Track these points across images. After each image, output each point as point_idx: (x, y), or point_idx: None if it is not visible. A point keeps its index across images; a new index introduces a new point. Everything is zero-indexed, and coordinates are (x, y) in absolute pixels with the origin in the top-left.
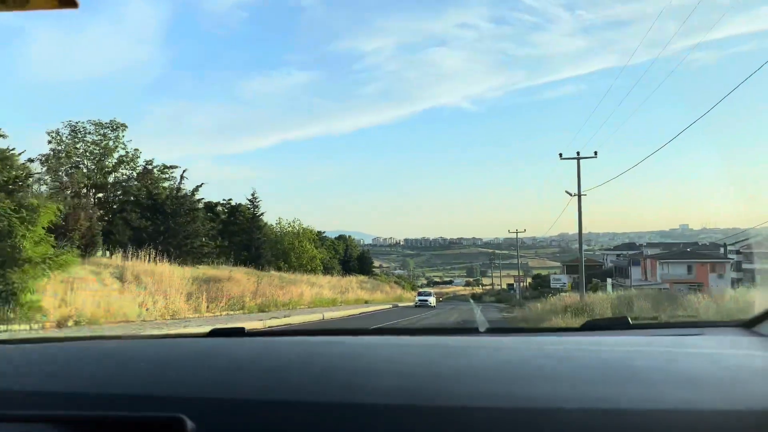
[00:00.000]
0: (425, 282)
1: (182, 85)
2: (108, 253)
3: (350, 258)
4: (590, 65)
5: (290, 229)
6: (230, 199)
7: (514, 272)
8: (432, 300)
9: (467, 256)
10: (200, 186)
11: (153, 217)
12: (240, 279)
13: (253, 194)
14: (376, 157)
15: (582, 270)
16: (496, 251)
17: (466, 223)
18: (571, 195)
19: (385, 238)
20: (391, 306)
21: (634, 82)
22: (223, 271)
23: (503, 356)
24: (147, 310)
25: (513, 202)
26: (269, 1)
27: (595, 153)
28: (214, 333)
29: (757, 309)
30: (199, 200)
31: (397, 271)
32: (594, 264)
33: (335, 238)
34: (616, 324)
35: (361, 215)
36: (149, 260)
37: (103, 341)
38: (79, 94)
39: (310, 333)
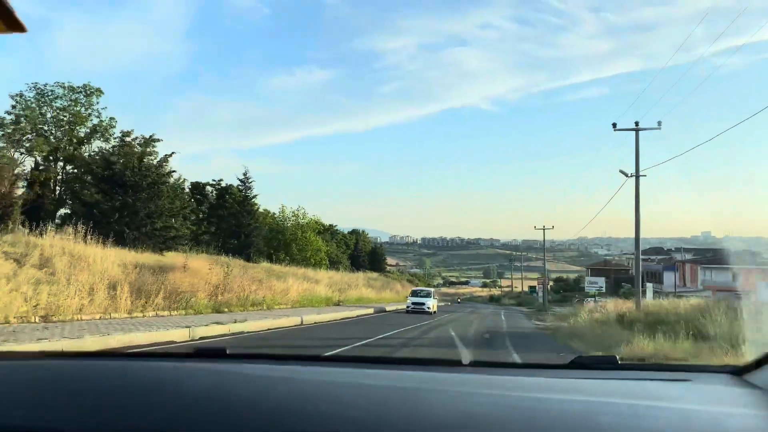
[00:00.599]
0: (441, 282)
1: (205, 79)
2: (32, 229)
3: (360, 253)
4: (613, 68)
5: (294, 218)
6: (221, 180)
7: (533, 275)
8: (431, 303)
9: (484, 257)
10: (170, 155)
11: (110, 191)
12: (199, 269)
13: (245, 174)
14: (395, 156)
15: (638, 272)
16: (514, 253)
17: (483, 224)
18: (627, 176)
19: (402, 237)
20: (394, 309)
21: (660, 86)
22: (186, 259)
23: (489, 399)
24: (34, 305)
25: (531, 204)
26: None
27: (659, 123)
28: (199, 354)
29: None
30: (168, 173)
31: (413, 270)
32: (621, 268)
33: (348, 233)
34: (605, 363)
35: (378, 213)
36: (92, 242)
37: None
38: (103, 85)
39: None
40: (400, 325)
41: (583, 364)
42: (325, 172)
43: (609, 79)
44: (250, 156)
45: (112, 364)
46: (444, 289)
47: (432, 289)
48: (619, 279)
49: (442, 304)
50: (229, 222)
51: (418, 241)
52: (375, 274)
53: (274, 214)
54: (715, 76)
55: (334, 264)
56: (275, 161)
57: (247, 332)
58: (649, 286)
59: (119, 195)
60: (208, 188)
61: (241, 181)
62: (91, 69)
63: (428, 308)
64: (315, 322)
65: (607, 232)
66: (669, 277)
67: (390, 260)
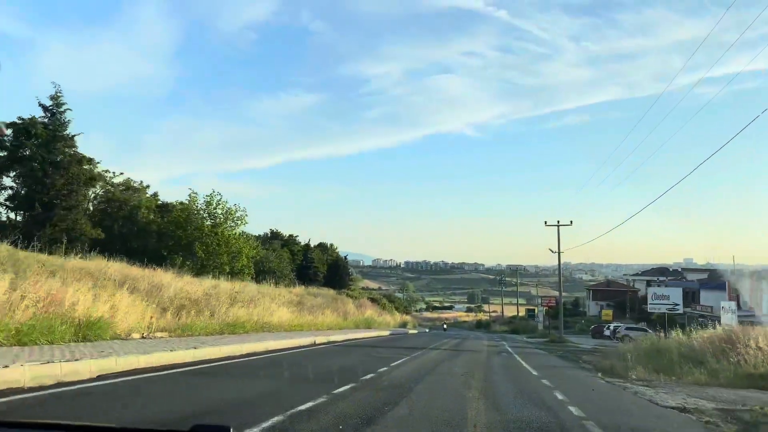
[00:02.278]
0: (423, 306)
1: (190, 102)
2: None
3: (311, 264)
4: (595, 96)
5: (208, 208)
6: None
7: (519, 300)
8: None
9: (468, 281)
10: None
11: None
12: None
13: (57, 92)
14: (380, 180)
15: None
16: (503, 277)
17: (468, 248)
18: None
19: (386, 260)
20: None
21: (639, 114)
22: None
23: None
24: None
25: (515, 229)
26: (278, 24)
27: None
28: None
29: None
30: None
31: (396, 294)
32: (627, 289)
33: (315, 246)
34: None
35: (362, 236)
36: None
37: None
38: (87, 107)
39: None
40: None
41: None
42: (310, 195)
43: (590, 107)
44: (234, 179)
45: None
46: (426, 314)
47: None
48: (621, 302)
49: (416, 331)
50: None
51: (402, 265)
52: (325, 290)
53: (182, 202)
54: (693, 106)
55: (267, 275)
56: (259, 184)
57: None
58: (727, 306)
59: None
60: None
61: (44, 108)
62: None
63: None
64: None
65: (590, 257)
66: (708, 298)
67: (372, 284)
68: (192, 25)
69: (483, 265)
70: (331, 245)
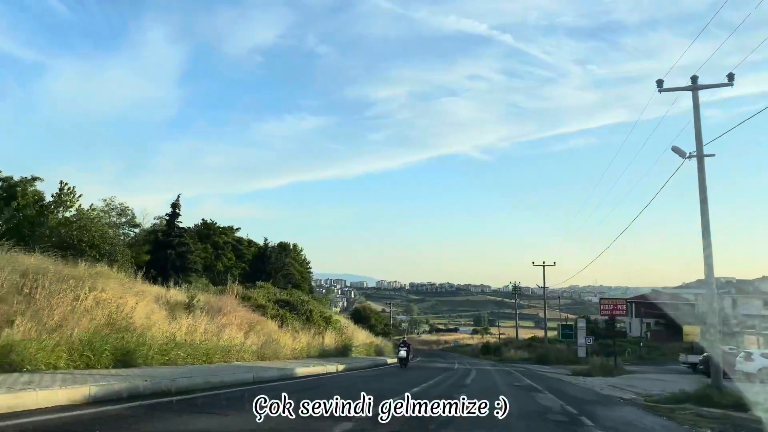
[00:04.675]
0: (426, 329)
1: (196, 124)
2: None
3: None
4: (600, 119)
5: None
6: None
7: (526, 322)
8: None
9: (474, 303)
10: None
11: None
12: None
13: None
14: (385, 202)
15: None
16: (505, 300)
17: (474, 270)
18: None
19: (390, 282)
20: None
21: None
22: None
23: None
24: None
25: (523, 251)
26: (285, 47)
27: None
28: None
29: None
30: None
31: (400, 317)
32: (682, 302)
33: (276, 245)
34: None
35: (367, 258)
36: None
37: None
38: (96, 130)
39: None
40: None
41: None
42: (315, 217)
43: (596, 129)
44: (240, 201)
45: None
46: (425, 336)
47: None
48: (668, 320)
49: (391, 361)
50: None
51: (406, 287)
52: (268, 291)
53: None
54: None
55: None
56: (264, 206)
57: None
58: None
59: None
60: None
61: None
62: (84, 113)
63: None
64: None
65: (597, 280)
66: None
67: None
68: (198, 48)
69: (489, 286)
70: (295, 245)
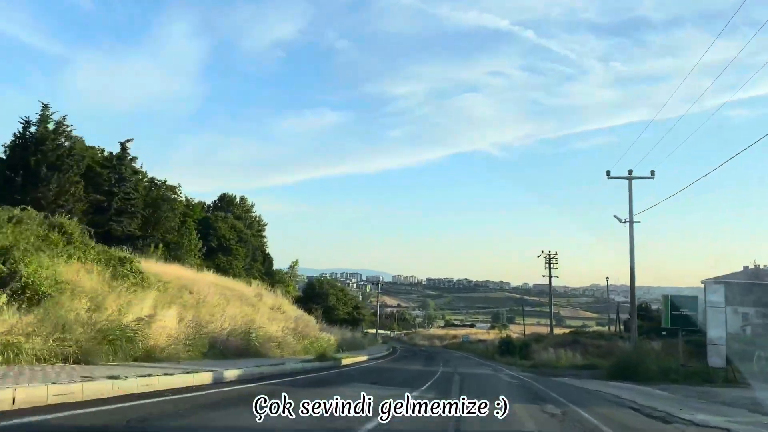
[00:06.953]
0: (442, 324)
1: (216, 119)
2: None
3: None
4: (622, 117)
5: None
6: None
7: (544, 320)
8: None
9: (493, 300)
10: None
11: None
12: None
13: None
14: (403, 198)
15: None
16: (525, 297)
17: (493, 266)
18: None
19: (406, 277)
20: None
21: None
22: None
23: None
24: None
25: (543, 248)
26: (304, 43)
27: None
28: None
29: None
30: None
31: (416, 312)
32: None
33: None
34: None
35: (384, 253)
36: None
37: None
38: (116, 124)
39: None
40: None
41: None
42: (332, 212)
43: (617, 128)
44: (257, 195)
45: None
46: (434, 330)
47: None
48: None
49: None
50: None
51: (423, 282)
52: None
53: None
54: (719, 127)
55: None
56: (282, 201)
57: None
58: None
59: None
60: None
61: None
62: (106, 106)
63: None
64: None
65: (619, 279)
66: None
67: (392, 300)
68: (219, 43)
69: (509, 283)
70: (243, 198)
